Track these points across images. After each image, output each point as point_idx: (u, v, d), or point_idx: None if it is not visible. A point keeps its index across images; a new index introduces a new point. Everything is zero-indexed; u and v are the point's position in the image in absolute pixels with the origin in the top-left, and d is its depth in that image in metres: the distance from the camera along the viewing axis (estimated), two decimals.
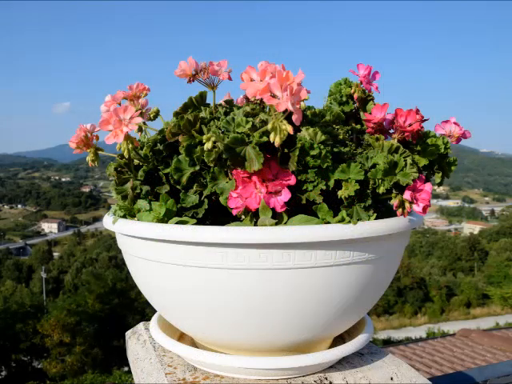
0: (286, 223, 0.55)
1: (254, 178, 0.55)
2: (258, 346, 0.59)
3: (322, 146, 0.56)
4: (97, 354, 10.48)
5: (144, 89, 0.72)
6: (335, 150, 0.61)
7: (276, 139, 0.51)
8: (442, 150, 0.66)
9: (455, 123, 0.69)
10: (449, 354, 3.90)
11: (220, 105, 0.70)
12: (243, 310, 0.55)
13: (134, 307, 12.19)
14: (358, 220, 0.55)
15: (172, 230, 0.54)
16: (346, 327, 0.65)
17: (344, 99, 0.75)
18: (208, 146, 0.55)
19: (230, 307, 0.55)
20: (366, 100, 0.75)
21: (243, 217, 0.57)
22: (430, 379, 0.66)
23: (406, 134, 0.63)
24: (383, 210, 0.62)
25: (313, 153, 0.55)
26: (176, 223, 0.58)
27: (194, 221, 0.59)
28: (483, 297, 24.11)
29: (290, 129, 0.51)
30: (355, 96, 0.74)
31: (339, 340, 0.72)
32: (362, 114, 0.75)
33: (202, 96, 0.69)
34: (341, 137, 0.67)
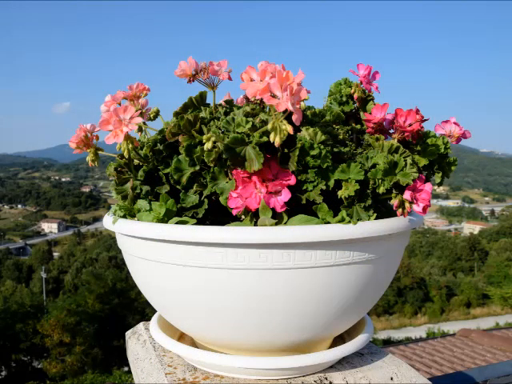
0: (285, 223, 0.55)
1: (254, 178, 0.55)
2: (258, 346, 0.59)
3: (322, 146, 0.56)
4: (97, 354, 10.48)
5: (144, 89, 0.72)
6: (335, 150, 0.61)
7: (276, 139, 0.51)
8: (442, 150, 0.66)
9: (455, 123, 0.69)
10: (449, 353, 3.90)
11: (220, 105, 0.70)
12: (243, 309, 0.55)
13: (134, 307, 12.19)
14: (358, 220, 0.55)
15: (172, 229, 0.54)
16: (345, 327, 0.65)
17: (344, 99, 0.75)
18: (208, 145, 0.55)
19: (229, 307, 0.55)
20: (366, 100, 0.75)
21: (243, 217, 0.57)
22: (430, 379, 0.66)
23: (406, 134, 0.63)
24: (383, 210, 0.62)
25: (313, 153, 0.55)
26: (176, 223, 0.58)
27: (194, 221, 0.59)
28: (483, 297, 24.12)
29: (289, 129, 0.51)
30: (355, 96, 0.74)
31: (339, 340, 0.72)
32: (362, 113, 0.75)
33: (202, 96, 0.69)
34: (341, 137, 0.67)
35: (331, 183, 0.56)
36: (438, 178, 0.68)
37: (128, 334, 0.82)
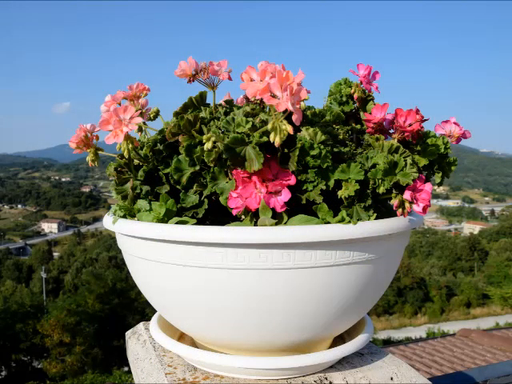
0: (285, 223, 0.55)
1: (254, 178, 0.55)
2: (258, 346, 0.59)
3: (322, 146, 0.56)
4: (97, 354, 10.48)
5: (144, 89, 0.72)
6: (335, 150, 0.61)
7: (276, 139, 0.51)
8: (442, 150, 0.66)
9: (455, 123, 0.69)
10: (449, 353, 3.90)
11: (220, 105, 0.70)
12: (243, 309, 0.55)
13: (134, 307, 12.18)
14: (358, 220, 0.55)
15: (172, 229, 0.54)
16: (345, 327, 0.65)
17: (344, 99, 0.75)
18: (208, 145, 0.55)
19: (229, 307, 0.55)
20: (366, 100, 0.75)
21: (243, 217, 0.57)
22: (430, 379, 0.66)
23: (406, 134, 0.63)
24: (383, 210, 0.62)
25: (313, 153, 0.55)
26: (176, 223, 0.58)
27: (194, 221, 0.59)
28: (483, 297, 24.12)
29: (289, 129, 0.51)
30: (355, 96, 0.74)
31: (339, 340, 0.72)
32: (362, 113, 0.75)
33: (202, 96, 0.69)
34: (341, 137, 0.67)
35: (331, 183, 0.56)
36: (437, 178, 0.68)
37: (128, 333, 0.82)
